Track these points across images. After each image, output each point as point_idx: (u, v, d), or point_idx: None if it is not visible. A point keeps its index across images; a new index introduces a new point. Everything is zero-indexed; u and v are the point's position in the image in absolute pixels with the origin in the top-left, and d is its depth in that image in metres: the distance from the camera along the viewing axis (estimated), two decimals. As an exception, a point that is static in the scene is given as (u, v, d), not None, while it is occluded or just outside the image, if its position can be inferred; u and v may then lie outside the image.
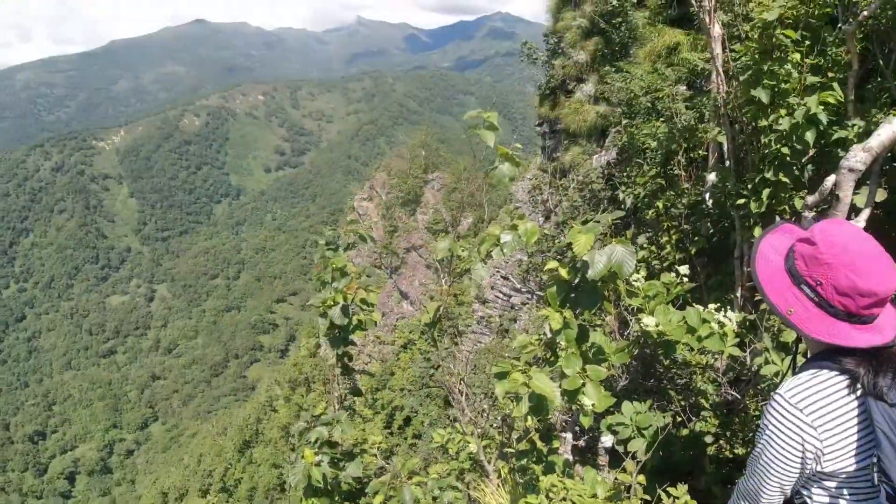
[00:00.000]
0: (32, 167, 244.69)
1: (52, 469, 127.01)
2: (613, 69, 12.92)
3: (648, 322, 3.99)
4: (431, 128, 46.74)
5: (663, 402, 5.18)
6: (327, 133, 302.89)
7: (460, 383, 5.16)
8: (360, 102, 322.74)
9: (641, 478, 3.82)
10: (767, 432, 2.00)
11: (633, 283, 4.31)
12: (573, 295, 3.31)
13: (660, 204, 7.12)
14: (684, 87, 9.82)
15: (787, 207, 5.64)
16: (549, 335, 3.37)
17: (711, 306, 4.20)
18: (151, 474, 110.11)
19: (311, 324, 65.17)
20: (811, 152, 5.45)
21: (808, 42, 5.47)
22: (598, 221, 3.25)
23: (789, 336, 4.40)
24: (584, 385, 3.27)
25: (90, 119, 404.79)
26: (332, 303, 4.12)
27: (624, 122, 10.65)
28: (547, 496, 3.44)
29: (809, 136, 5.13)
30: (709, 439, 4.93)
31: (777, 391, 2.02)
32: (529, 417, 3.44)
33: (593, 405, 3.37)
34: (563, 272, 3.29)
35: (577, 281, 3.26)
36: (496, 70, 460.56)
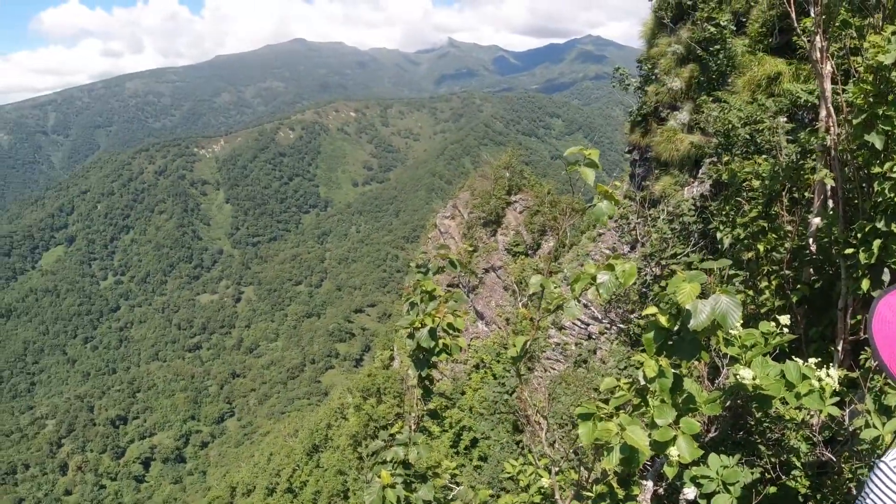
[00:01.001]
0: (137, 169, 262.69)
1: (130, 453, 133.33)
2: (710, 98, 12.53)
3: (745, 375, 3.79)
4: (517, 149, 46.63)
5: (752, 456, 4.92)
6: (414, 151, 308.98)
7: (536, 413, 5.06)
8: (447, 122, 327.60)
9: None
10: (869, 501, 1.90)
11: (730, 330, 4.12)
12: (671, 343, 3.19)
13: (760, 246, 6.78)
14: (785, 119, 9.38)
15: (899, 260, 5.26)
16: (642, 382, 3.26)
17: (811, 360, 3.96)
18: (222, 467, 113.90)
19: (387, 336, 66.05)
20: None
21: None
22: (703, 269, 3.12)
23: (894, 399, 4.10)
24: (675, 438, 3.14)
25: (193, 128, 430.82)
26: (419, 325, 4.17)
27: (720, 154, 10.27)
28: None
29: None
30: (798, 499, 4.65)
31: (883, 459, 1.91)
32: (613, 462, 3.33)
33: (680, 456, 3.23)
34: (663, 319, 3.18)
35: (676, 328, 3.14)
36: (584, 93, 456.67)
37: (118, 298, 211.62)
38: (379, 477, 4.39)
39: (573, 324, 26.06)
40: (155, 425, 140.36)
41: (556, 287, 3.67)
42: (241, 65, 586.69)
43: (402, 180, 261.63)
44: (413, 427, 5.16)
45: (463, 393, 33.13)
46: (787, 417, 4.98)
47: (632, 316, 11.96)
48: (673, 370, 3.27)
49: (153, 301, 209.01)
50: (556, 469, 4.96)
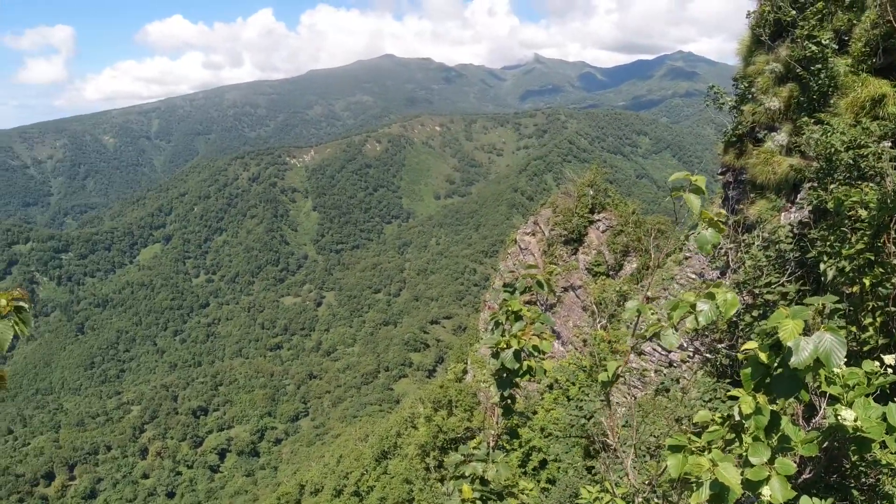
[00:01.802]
0: (232, 175, 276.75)
1: (207, 443, 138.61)
2: (811, 119, 11.95)
3: (847, 416, 3.60)
4: (601, 167, 45.63)
5: (845, 501, 4.66)
6: (496, 166, 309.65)
7: (617, 440, 4.96)
8: (530, 138, 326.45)
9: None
10: None
11: (833, 369, 3.91)
12: (769, 380, 3.08)
13: (866, 280, 6.40)
14: (889, 145, 8.82)
15: None
16: (737, 417, 3.16)
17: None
18: (293, 465, 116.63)
19: (461, 349, 66.09)
20: None
21: None
22: (809, 304, 3.01)
23: None
24: (768, 478, 3.02)
25: (286, 138, 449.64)
26: (504, 345, 4.18)
27: (821, 179, 9.76)
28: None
29: None
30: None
31: None
32: (702, 497, 3.23)
33: (772, 497, 3.11)
34: (763, 356, 3.08)
35: (775, 365, 3.03)
36: (673, 111, 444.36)
37: (208, 296, 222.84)
38: (460, 491, 4.43)
39: (653, 349, 25.23)
40: (233, 418, 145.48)
41: (652, 313, 3.61)
42: (333, 79, 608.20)
43: (483, 195, 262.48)
44: (492, 444, 5.18)
45: (534, 413, 32.67)
46: (884, 462, 4.70)
47: (719, 346, 11.51)
48: (770, 407, 3.16)
49: (240, 300, 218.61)
50: (640, 500, 4.85)
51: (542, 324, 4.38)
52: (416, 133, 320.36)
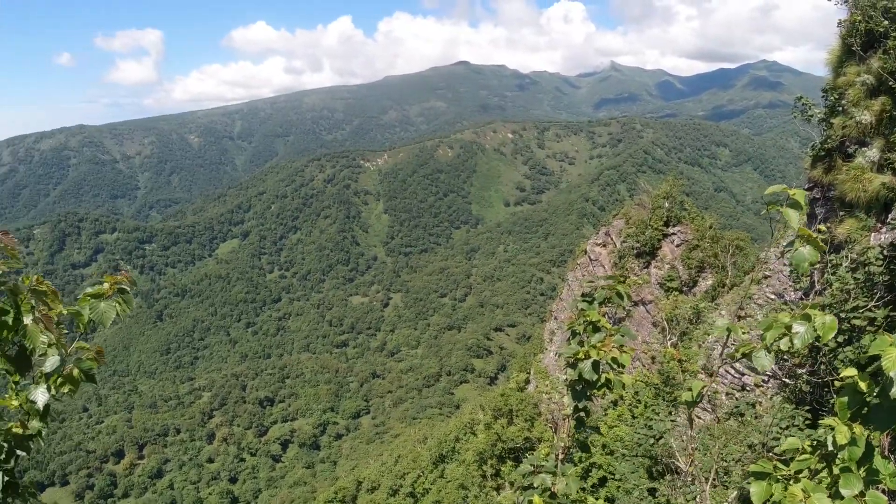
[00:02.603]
0: (308, 176, 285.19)
1: (271, 433, 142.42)
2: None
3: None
4: (678, 178, 44.14)
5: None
6: (568, 174, 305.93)
7: (691, 464, 4.84)
8: (604, 147, 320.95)
9: None
10: None
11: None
12: (866, 410, 2.93)
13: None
14: None
15: None
16: (830, 447, 3.02)
17: None
18: (352, 461, 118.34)
19: (525, 358, 65.48)
20: None
21: None
22: None
23: None
24: (860, 511, 2.89)
25: (361, 142, 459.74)
26: (583, 356, 4.13)
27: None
28: None
29: None
30: None
31: None
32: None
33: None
34: (863, 384, 2.94)
35: (874, 395, 2.89)
36: (755, 122, 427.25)
37: (280, 291, 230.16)
38: (530, 502, 4.42)
39: (725, 371, 24.27)
40: (297, 411, 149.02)
41: (744, 332, 3.50)
42: (408, 85, 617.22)
43: (554, 203, 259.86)
44: (561, 457, 5.14)
45: (597, 428, 31.79)
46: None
47: (800, 371, 11.00)
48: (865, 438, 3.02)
49: (310, 297, 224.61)
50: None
51: (623, 336, 4.31)
52: (488, 139, 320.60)
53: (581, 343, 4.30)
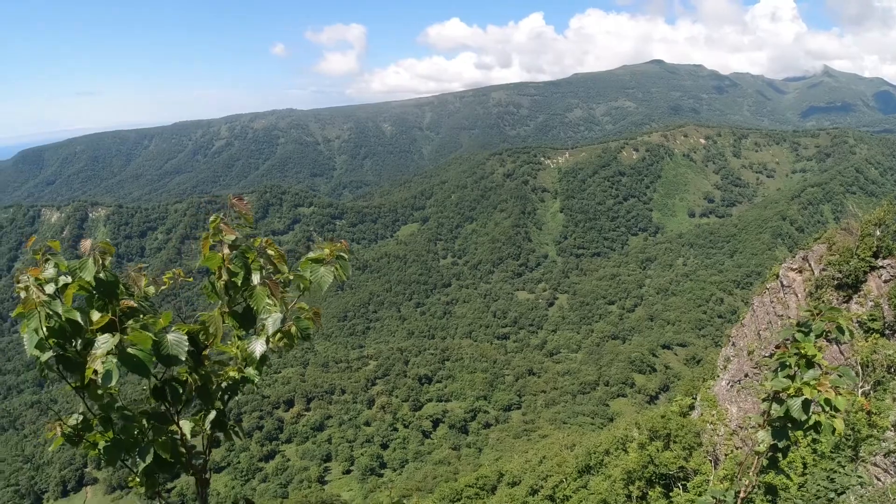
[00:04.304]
0: (489, 170, 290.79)
1: (425, 409, 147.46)
2: None
3: None
4: (893, 204, 38.58)
5: None
6: (765, 188, 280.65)
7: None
8: (809, 161, 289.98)
9: None
10: None
11: None
12: None
13: None
14: None
15: None
16: None
17: None
18: (497, 451, 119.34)
19: (692, 383, 61.53)
20: None
21: None
22: None
23: None
24: None
25: (543, 139, 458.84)
26: (793, 392, 3.80)
27: None
28: None
29: None
30: None
31: None
32: None
33: None
34: None
35: None
36: None
37: (451, 277, 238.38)
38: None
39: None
40: (452, 393, 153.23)
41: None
42: (596, 83, 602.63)
43: (745, 218, 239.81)
44: (742, 496, 4.82)
45: (788, 475, 28.90)
46: None
47: None
48: None
49: (479, 286, 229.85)
50: None
51: (841, 377, 3.91)
52: (678, 144, 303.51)
53: (791, 377, 3.95)
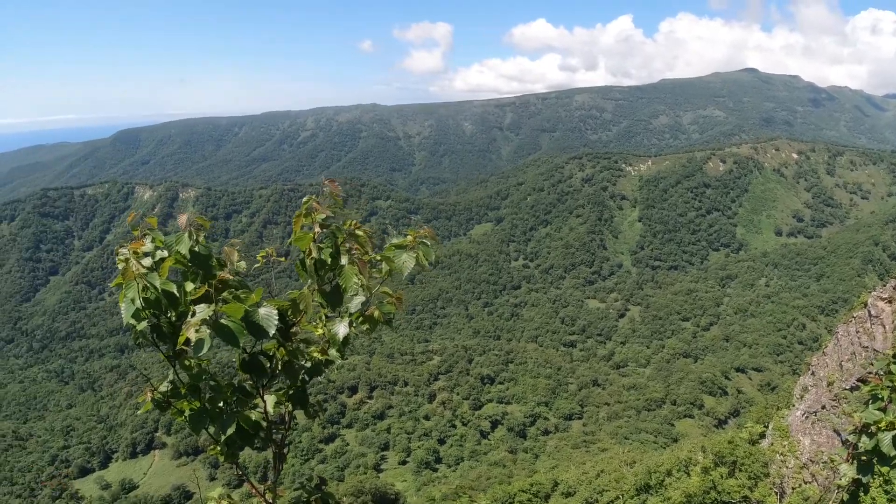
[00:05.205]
0: (567, 174, 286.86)
1: (485, 410, 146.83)
2: None
3: None
4: None
5: None
6: (859, 210, 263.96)
7: None
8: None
9: None
10: None
11: None
12: None
13: None
14: None
15: None
16: None
17: None
18: (554, 459, 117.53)
19: (765, 410, 58.60)
20: None
21: None
22: None
23: None
24: None
25: (626, 145, 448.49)
26: (885, 426, 3.60)
27: None
28: None
29: None
30: None
31: None
32: None
33: None
34: None
35: None
36: None
37: (521, 279, 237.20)
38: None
39: None
40: (513, 396, 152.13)
41: None
42: (684, 89, 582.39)
43: (835, 241, 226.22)
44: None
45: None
46: None
47: None
48: None
49: (549, 291, 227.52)
50: None
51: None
52: (768, 158, 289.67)
53: (883, 410, 3.74)
